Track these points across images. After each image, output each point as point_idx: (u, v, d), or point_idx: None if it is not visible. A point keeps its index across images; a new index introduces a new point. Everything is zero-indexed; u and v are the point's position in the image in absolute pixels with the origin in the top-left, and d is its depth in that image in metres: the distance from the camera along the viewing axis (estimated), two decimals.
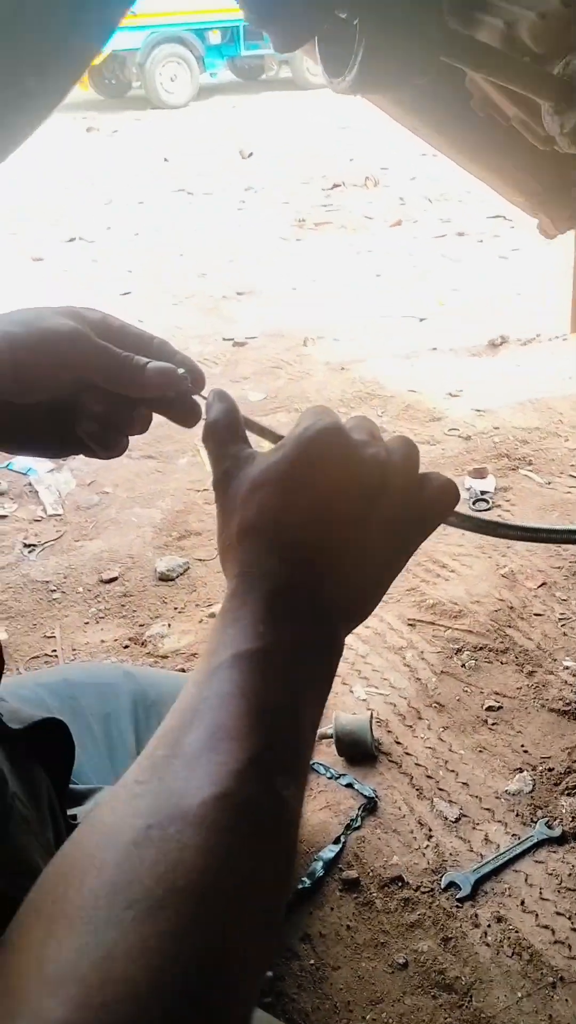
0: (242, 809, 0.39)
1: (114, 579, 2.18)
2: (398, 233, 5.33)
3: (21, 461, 2.70)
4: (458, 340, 3.58)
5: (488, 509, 2.35)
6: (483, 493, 2.40)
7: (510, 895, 1.34)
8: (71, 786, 0.80)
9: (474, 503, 2.37)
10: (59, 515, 2.49)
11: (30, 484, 2.63)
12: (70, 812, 0.76)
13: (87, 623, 2.03)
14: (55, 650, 1.94)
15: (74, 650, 1.94)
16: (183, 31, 12.26)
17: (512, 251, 4.74)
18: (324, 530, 0.48)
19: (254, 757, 0.40)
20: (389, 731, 1.65)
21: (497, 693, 1.73)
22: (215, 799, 0.38)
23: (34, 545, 2.34)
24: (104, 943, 0.33)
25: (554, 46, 1.11)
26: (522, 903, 1.32)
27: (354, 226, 5.52)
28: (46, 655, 1.93)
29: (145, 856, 0.36)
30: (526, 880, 1.36)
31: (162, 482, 2.64)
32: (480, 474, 2.47)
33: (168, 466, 2.72)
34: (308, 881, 1.36)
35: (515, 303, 3.96)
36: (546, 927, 1.28)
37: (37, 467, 2.68)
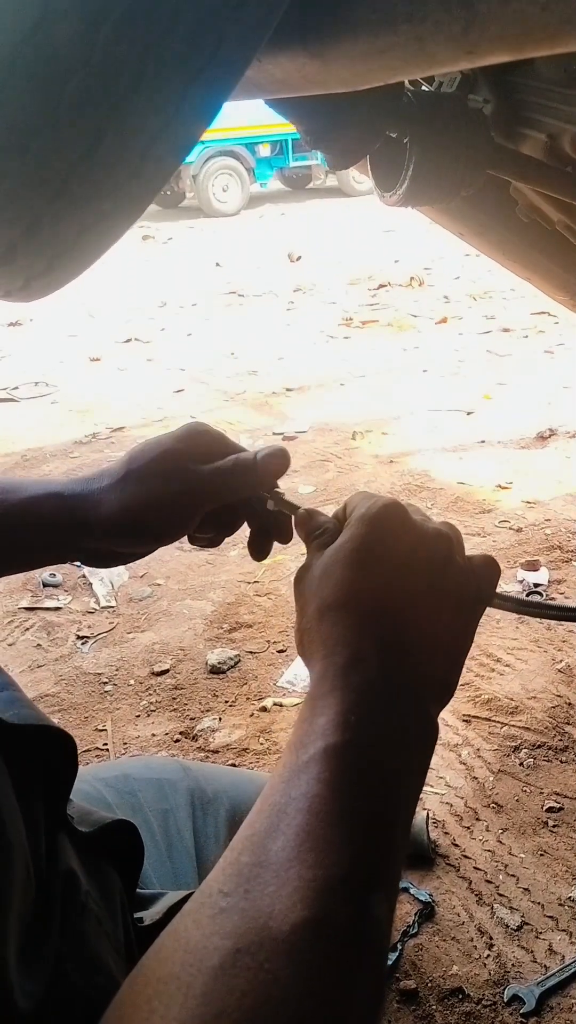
0: (335, 934, 0.37)
1: (165, 671, 2.19)
2: (444, 330, 5.44)
3: None
4: (506, 433, 3.61)
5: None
6: (536, 586, 2.37)
7: None
8: (137, 890, 0.79)
9: (527, 595, 2.35)
10: (112, 607, 2.52)
11: (84, 576, 2.67)
12: (136, 915, 0.75)
13: (138, 716, 2.03)
14: (106, 744, 1.94)
15: (125, 744, 1.94)
16: (235, 145, 12.94)
17: (558, 345, 4.80)
18: (403, 600, 0.48)
19: (348, 873, 0.38)
20: (446, 832, 1.61)
21: (557, 794, 1.67)
22: (306, 923, 0.36)
23: (87, 637, 2.37)
24: None
25: None
26: None
27: (400, 324, 5.65)
28: (97, 748, 1.93)
29: (234, 986, 0.34)
30: None
31: (213, 574, 2.66)
32: (533, 566, 2.45)
33: (219, 558, 2.75)
34: None
35: (562, 396, 3.99)
36: None
37: None
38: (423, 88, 1.21)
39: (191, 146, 0.69)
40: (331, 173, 14.14)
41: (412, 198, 1.02)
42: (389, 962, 1.35)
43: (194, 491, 0.68)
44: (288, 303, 6.63)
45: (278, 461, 0.68)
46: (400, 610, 0.48)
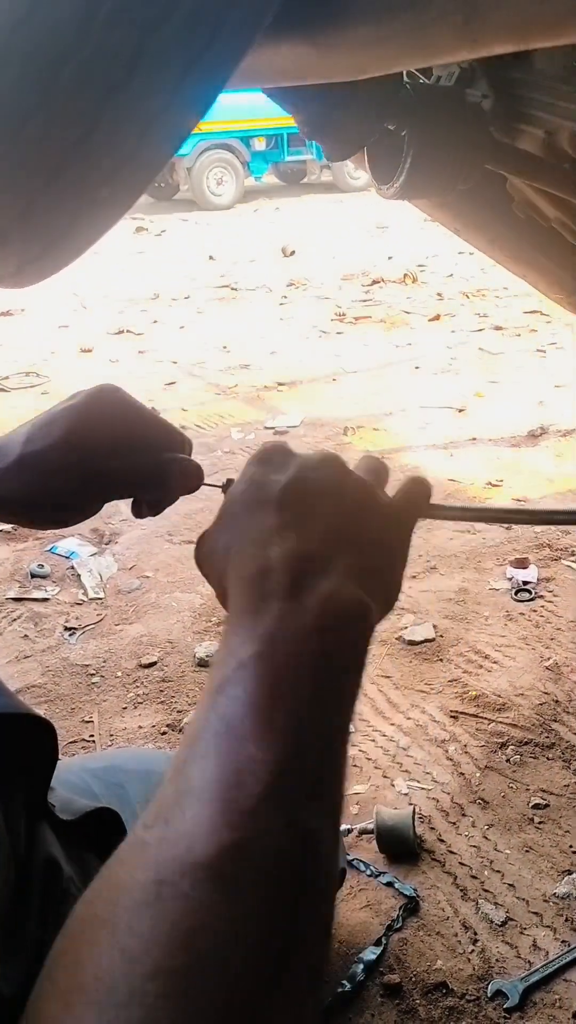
0: (265, 852, 0.34)
1: (153, 664, 2.18)
2: (436, 327, 5.44)
3: (64, 544, 2.75)
4: (497, 431, 3.61)
5: (531, 599, 2.32)
6: (525, 583, 2.38)
7: (561, 1007, 1.27)
8: None
9: (516, 593, 2.35)
10: (100, 599, 2.51)
11: (72, 567, 2.66)
12: None
13: (125, 708, 2.03)
14: (92, 735, 1.93)
15: (111, 736, 1.93)
16: (230, 138, 12.88)
17: (550, 344, 4.81)
18: (302, 511, 0.48)
19: (270, 788, 0.36)
20: (432, 827, 1.61)
21: (543, 790, 1.68)
22: (231, 846, 0.34)
23: (75, 628, 2.36)
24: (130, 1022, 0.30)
25: None
26: (574, 1016, 1.25)
27: (393, 320, 5.65)
28: (83, 740, 1.92)
29: (161, 918, 0.32)
30: None
31: None
32: (522, 564, 2.45)
33: None
34: (349, 984, 1.31)
35: (554, 395, 3.99)
36: None
37: (79, 551, 2.72)
38: (421, 82, 1.21)
39: (188, 133, 0.68)
40: (326, 168, 14.11)
41: (409, 191, 1.02)
42: (373, 956, 1.35)
43: (96, 485, 0.67)
44: (281, 297, 6.62)
45: (190, 484, 0.68)
46: (302, 520, 0.48)
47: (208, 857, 0.33)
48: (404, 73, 1.11)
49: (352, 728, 0.43)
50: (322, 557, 0.45)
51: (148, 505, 0.71)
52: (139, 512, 0.71)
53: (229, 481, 0.57)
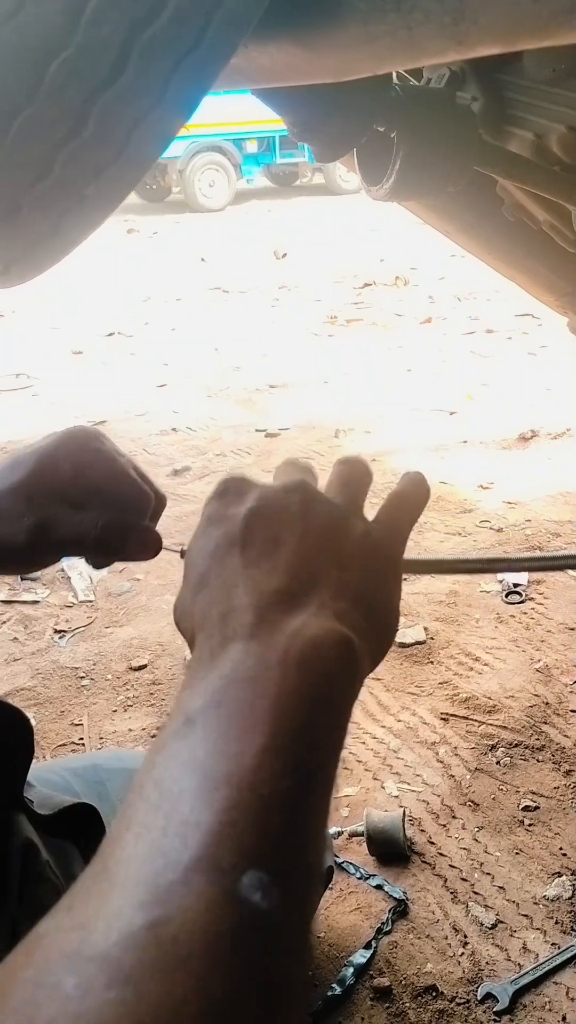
0: (185, 936, 0.27)
1: (143, 667, 2.17)
2: (428, 330, 5.45)
3: None
4: (488, 433, 3.62)
5: (522, 601, 2.32)
6: (516, 585, 2.38)
7: (551, 1009, 1.27)
8: None
9: (507, 595, 2.35)
10: (90, 601, 2.50)
11: (62, 570, 2.65)
12: None
13: (115, 711, 2.02)
14: (82, 738, 1.92)
15: (101, 738, 1.92)
16: (222, 141, 12.89)
17: (540, 348, 4.82)
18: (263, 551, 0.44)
19: (203, 853, 0.29)
20: (422, 830, 1.61)
21: (534, 792, 1.68)
22: (141, 929, 0.27)
23: (64, 631, 2.35)
24: None
25: None
26: (563, 1019, 1.25)
27: (385, 323, 5.65)
28: (73, 743, 1.91)
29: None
30: (567, 994, 1.29)
31: None
32: None
33: None
34: (339, 988, 1.30)
35: (545, 398, 4.00)
36: None
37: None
38: (412, 84, 1.21)
39: (175, 132, 0.68)
40: (318, 171, 14.13)
41: (398, 192, 1.02)
42: (363, 960, 1.34)
43: (45, 536, 0.63)
44: (273, 300, 6.62)
45: (146, 555, 0.66)
46: (267, 554, 0.43)
47: (105, 947, 0.27)
48: (395, 75, 1.11)
49: (338, 772, 0.38)
50: (291, 592, 0.41)
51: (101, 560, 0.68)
52: (94, 563, 0.69)
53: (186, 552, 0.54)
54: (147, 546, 0.65)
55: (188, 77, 0.63)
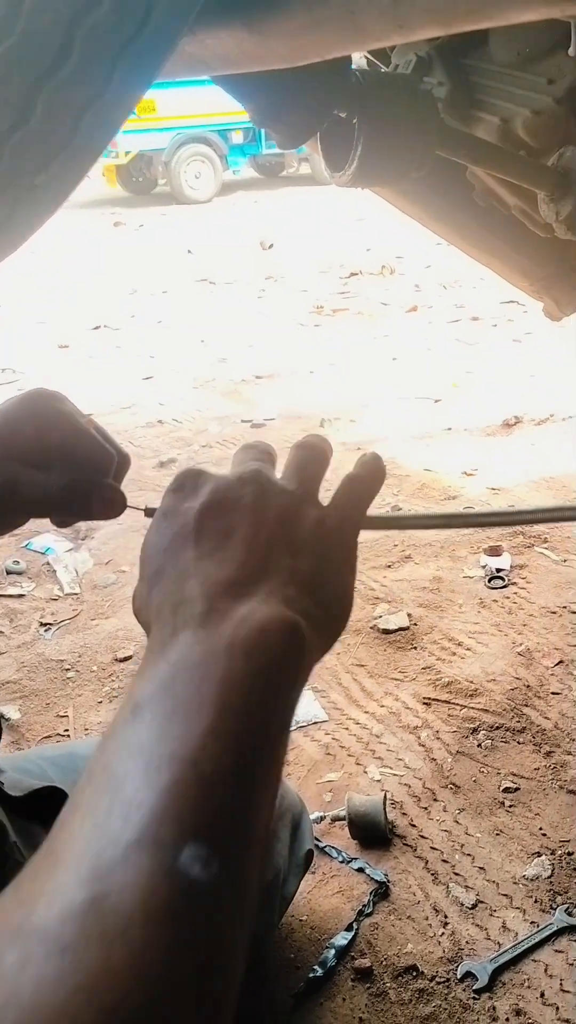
0: (126, 910, 0.28)
1: (128, 658, 2.18)
2: (414, 319, 5.46)
3: (40, 540, 2.74)
4: (472, 420, 3.63)
5: (504, 586, 2.34)
6: (499, 570, 2.39)
7: (529, 986, 1.28)
8: None
9: (490, 580, 2.37)
10: (76, 594, 2.51)
11: (48, 563, 2.65)
12: None
13: (100, 702, 2.03)
14: (67, 729, 1.93)
15: (86, 730, 1.93)
16: (207, 132, 12.84)
17: (525, 335, 4.83)
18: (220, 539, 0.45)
19: (144, 832, 0.30)
20: (404, 813, 1.62)
21: (514, 774, 1.69)
22: (82, 903, 0.28)
23: (50, 624, 2.36)
24: None
25: (548, 140, 1.17)
26: (542, 995, 1.27)
27: (371, 312, 5.65)
28: (59, 734, 1.92)
29: None
30: (546, 971, 1.31)
31: None
32: (495, 552, 2.47)
33: None
34: (320, 970, 1.32)
35: (529, 384, 4.01)
36: (566, 1021, 1.23)
37: (55, 546, 2.72)
38: (373, 70, 1.21)
39: (124, 119, 0.69)
40: (304, 161, 14.08)
41: (361, 178, 1.03)
42: (345, 942, 1.36)
43: (8, 496, 0.64)
44: (259, 291, 6.61)
45: (111, 513, 0.66)
46: (220, 546, 0.45)
47: (46, 921, 0.27)
48: (353, 60, 1.11)
49: (290, 743, 0.38)
50: (241, 582, 0.43)
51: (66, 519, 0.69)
52: (59, 522, 0.70)
53: (150, 510, 0.54)
54: (111, 504, 0.65)
55: (133, 63, 0.64)
